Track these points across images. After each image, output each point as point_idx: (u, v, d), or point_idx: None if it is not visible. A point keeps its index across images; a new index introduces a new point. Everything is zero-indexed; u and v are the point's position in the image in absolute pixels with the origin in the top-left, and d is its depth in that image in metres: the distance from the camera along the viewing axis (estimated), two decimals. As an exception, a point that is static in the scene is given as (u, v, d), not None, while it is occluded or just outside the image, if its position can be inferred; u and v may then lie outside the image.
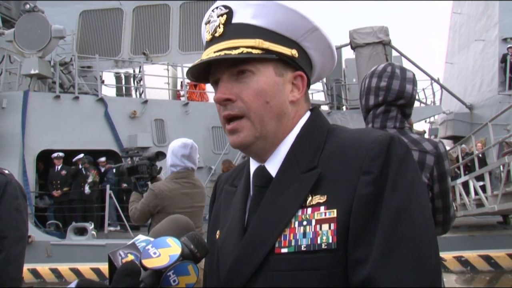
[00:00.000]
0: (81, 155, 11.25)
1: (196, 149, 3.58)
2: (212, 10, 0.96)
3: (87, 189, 10.95)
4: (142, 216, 3.51)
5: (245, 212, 0.96)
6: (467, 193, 9.72)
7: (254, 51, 0.91)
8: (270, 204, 0.91)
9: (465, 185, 9.64)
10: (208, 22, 0.96)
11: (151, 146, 12.24)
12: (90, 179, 11.02)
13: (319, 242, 0.84)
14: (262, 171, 0.97)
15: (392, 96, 1.98)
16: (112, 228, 10.58)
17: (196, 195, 3.54)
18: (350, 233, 0.83)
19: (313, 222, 0.85)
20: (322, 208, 0.85)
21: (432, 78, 15.80)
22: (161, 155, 3.89)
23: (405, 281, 0.78)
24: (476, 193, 9.31)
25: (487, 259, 8.73)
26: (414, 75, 2.06)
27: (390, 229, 0.81)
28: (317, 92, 14.08)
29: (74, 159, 11.21)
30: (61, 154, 11.13)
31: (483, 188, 8.91)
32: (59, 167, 11.15)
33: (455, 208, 9.24)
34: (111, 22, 16.40)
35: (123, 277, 0.79)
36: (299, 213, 0.87)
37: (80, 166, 11.22)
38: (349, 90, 15.02)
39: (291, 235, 0.86)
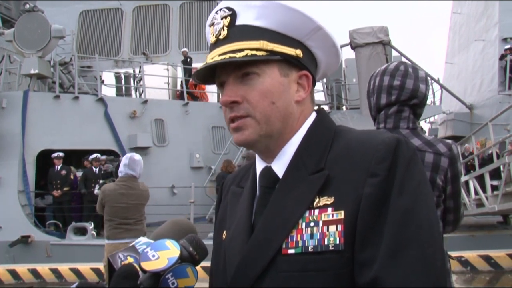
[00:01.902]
0: (104, 156, 11.32)
1: (135, 161, 4.91)
2: (216, 12, 0.96)
3: (96, 190, 10.85)
4: (99, 208, 5.03)
5: (252, 213, 0.96)
6: (468, 193, 9.71)
7: (258, 53, 0.91)
8: (277, 205, 0.91)
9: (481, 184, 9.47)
10: (212, 24, 0.96)
11: (151, 146, 12.25)
12: (101, 180, 10.91)
13: (326, 243, 0.84)
14: (268, 172, 0.97)
15: (405, 95, 1.95)
16: None
17: (131, 195, 4.91)
18: (357, 234, 0.83)
19: (321, 223, 0.86)
20: (329, 210, 0.86)
21: (432, 78, 15.77)
22: None
23: (411, 283, 0.78)
24: (476, 193, 9.31)
25: (487, 259, 8.73)
26: (426, 74, 2.03)
27: (397, 231, 0.81)
28: (317, 92, 14.08)
29: (91, 158, 11.17)
30: (61, 154, 11.11)
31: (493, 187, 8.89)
32: (59, 167, 11.13)
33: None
34: (111, 22, 16.41)
35: (121, 280, 0.79)
36: (306, 214, 0.87)
37: (98, 167, 11.16)
38: (349, 90, 15.03)
39: (298, 236, 0.86)
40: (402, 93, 1.95)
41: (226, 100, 0.94)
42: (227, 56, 0.91)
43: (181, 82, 13.88)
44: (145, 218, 5.26)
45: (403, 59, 13.90)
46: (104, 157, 11.50)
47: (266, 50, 0.92)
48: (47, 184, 11.30)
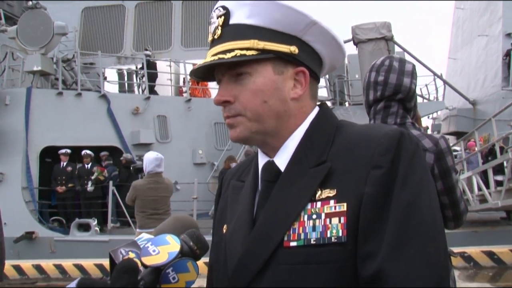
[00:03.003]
0: (104, 152, 11.34)
1: (162, 159, 5.71)
2: (214, 11, 0.97)
3: (89, 187, 10.88)
4: (128, 200, 5.78)
5: (254, 207, 0.96)
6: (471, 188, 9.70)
7: (248, 52, 0.91)
8: (279, 198, 0.91)
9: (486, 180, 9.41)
10: (210, 23, 0.98)
11: (154, 142, 12.25)
12: (94, 176, 10.97)
13: (328, 235, 0.84)
14: (271, 166, 0.97)
15: (389, 90, 1.94)
16: (112, 224, 10.60)
17: (159, 188, 5.63)
18: (360, 227, 0.83)
19: (323, 215, 0.86)
20: (332, 202, 0.86)
21: (435, 74, 15.73)
22: None
23: (414, 276, 0.78)
24: (480, 189, 9.29)
25: (490, 255, 8.71)
26: (413, 67, 2.00)
27: (400, 224, 0.81)
28: (320, 88, 14.03)
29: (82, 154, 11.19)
30: (68, 150, 11.15)
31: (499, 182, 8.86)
32: (65, 164, 11.14)
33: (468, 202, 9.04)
34: (114, 19, 16.38)
35: (121, 274, 0.80)
36: (309, 206, 0.87)
37: (87, 164, 11.19)
38: (352, 86, 14.99)
39: (300, 228, 0.86)
40: (386, 88, 1.94)
41: (218, 100, 0.96)
42: (216, 57, 0.93)
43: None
44: (170, 209, 5.88)
45: (406, 55, 13.85)
46: (104, 153, 11.55)
47: (257, 49, 0.92)
48: (51, 181, 11.33)
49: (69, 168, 11.16)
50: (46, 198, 11.47)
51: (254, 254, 0.89)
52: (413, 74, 1.98)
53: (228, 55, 0.92)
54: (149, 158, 5.65)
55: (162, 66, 14.00)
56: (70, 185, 11.10)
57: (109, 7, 16.40)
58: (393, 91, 1.94)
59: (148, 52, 14.07)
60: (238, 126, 0.95)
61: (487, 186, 8.99)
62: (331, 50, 1.01)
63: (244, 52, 0.92)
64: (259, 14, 0.93)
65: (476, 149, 10.62)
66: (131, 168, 10.63)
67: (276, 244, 0.87)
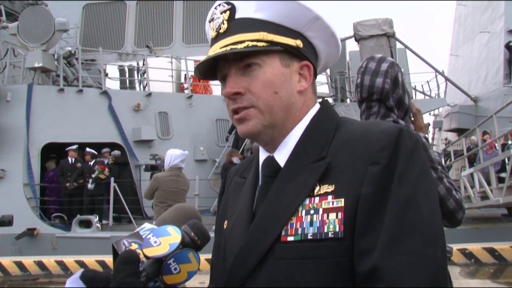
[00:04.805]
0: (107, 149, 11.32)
1: (187, 156, 5.99)
2: (215, 8, 0.97)
3: (89, 185, 10.85)
4: (148, 193, 5.95)
5: (254, 202, 0.97)
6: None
7: (259, 44, 0.92)
8: (278, 193, 0.91)
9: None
10: (212, 19, 0.98)
11: (155, 139, 12.27)
12: (94, 175, 10.94)
13: (326, 231, 0.84)
14: (271, 161, 0.97)
15: (365, 92, 1.98)
16: (108, 221, 10.57)
17: (179, 182, 5.84)
18: (357, 222, 0.83)
19: (321, 211, 0.85)
20: (329, 198, 0.86)
21: (436, 71, 15.72)
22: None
23: (410, 274, 0.78)
24: (481, 186, 9.29)
25: (491, 251, 8.72)
26: (390, 65, 1.99)
27: (397, 220, 0.81)
28: (321, 85, 14.05)
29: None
30: (74, 147, 11.13)
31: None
32: (73, 160, 11.11)
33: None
34: (115, 15, 16.39)
35: (122, 265, 0.80)
36: (307, 202, 0.87)
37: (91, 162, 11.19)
38: (353, 82, 14.98)
39: (298, 223, 0.86)
40: (363, 90, 1.99)
41: (229, 92, 0.95)
42: (228, 48, 0.92)
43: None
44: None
45: (407, 51, 13.85)
46: (106, 149, 11.54)
47: (267, 41, 0.93)
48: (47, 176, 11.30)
49: (78, 165, 11.12)
50: (46, 194, 11.48)
51: (252, 248, 0.89)
52: (386, 73, 1.97)
53: (240, 46, 0.92)
54: (175, 153, 5.91)
55: (163, 62, 13.99)
56: (81, 181, 11.05)
57: (110, 4, 16.40)
58: (367, 93, 1.98)
59: (69, 49, 13.15)
60: (251, 119, 0.95)
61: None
62: (328, 47, 1.02)
63: (255, 43, 0.92)
64: (266, 8, 0.94)
65: (479, 145, 10.61)
66: (144, 166, 10.73)
67: (273, 239, 0.87)
